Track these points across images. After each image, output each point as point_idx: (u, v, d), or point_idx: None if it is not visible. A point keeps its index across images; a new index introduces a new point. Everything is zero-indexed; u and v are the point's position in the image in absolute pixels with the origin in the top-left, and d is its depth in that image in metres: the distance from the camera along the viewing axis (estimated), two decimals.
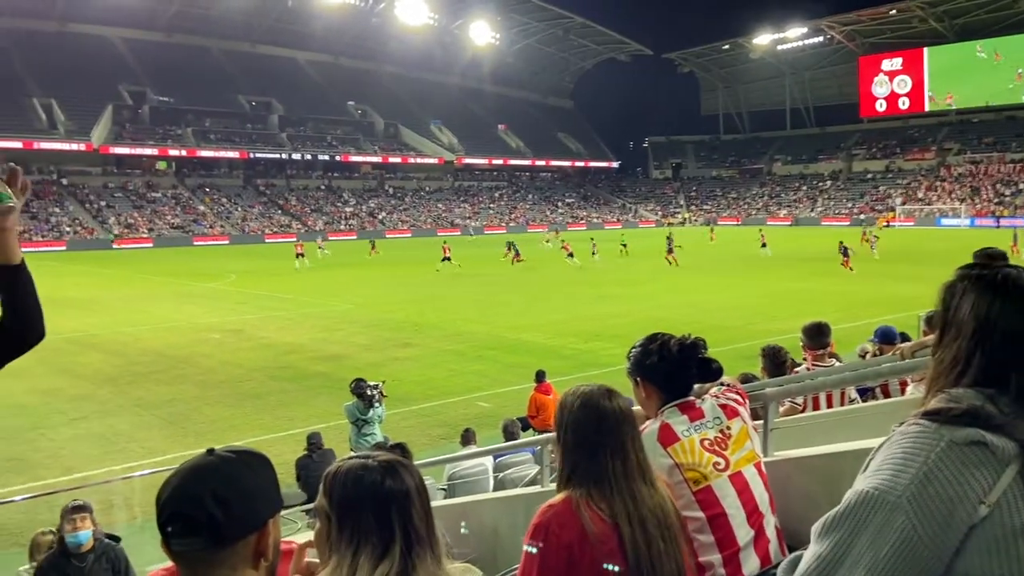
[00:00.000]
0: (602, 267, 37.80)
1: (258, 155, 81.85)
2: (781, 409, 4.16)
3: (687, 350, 2.44)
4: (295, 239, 47.51)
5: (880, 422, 3.27)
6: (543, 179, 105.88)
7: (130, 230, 66.53)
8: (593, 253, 40.71)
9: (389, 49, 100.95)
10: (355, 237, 72.32)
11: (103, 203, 69.75)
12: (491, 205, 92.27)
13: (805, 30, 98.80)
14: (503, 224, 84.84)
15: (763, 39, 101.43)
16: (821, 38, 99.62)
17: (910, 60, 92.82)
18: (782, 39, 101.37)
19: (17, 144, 67.80)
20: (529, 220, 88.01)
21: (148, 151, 75.70)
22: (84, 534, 5.19)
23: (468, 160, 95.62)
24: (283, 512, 1.45)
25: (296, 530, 7.07)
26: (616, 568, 1.95)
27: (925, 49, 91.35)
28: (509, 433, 8.96)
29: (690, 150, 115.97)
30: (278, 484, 1.45)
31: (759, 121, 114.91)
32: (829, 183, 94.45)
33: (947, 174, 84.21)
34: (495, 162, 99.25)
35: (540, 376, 11.22)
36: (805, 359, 5.28)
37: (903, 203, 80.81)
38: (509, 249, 39.90)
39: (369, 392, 9.73)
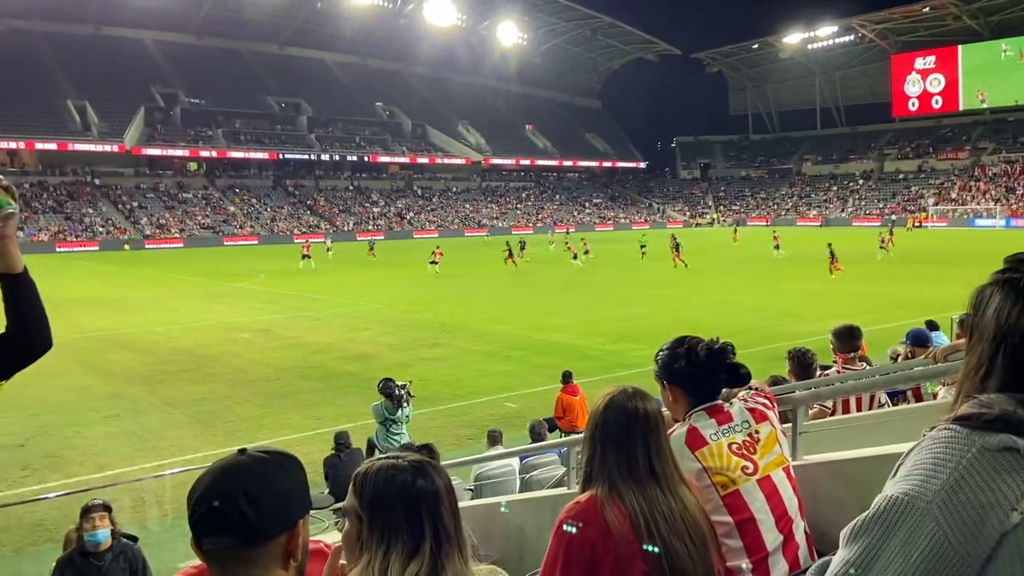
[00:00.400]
0: (614, 268, 37.62)
1: (287, 156, 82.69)
2: (810, 412, 4.12)
3: (715, 355, 2.42)
4: (305, 240, 47.50)
5: (910, 426, 3.23)
6: (570, 179, 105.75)
7: (161, 230, 67.54)
8: (585, 252, 40.73)
9: (417, 50, 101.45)
10: (383, 237, 72.76)
11: (135, 204, 70.88)
12: (518, 205, 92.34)
13: (836, 29, 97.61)
14: (530, 224, 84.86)
15: (793, 38, 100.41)
16: (852, 36, 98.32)
17: (943, 58, 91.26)
18: (812, 38, 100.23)
19: (52, 145, 69.24)
20: (556, 220, 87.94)
21: (179, 152, 76.84)
22: (102, 533, 5.25)
23: (495, 160, 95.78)
24: (311, 511, 1.46)
25: (323, 529, 7.14)
26: (642, 568, 1.95)
27: (959, 47, 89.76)
28: (536, 434, 8.95)
29: (718, 150, 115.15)
30: (308, 485, 1.47)
31: (788, 121, 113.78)
32: (860, 183, 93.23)
33: (981, 174, 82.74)
34: (522, 162, 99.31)
35: (567, 377, 11.20)
36: (835, 362, 5.22)
37: (936, 203, 79.55)
38: (516, 248, 39.71)
39: (397, 392, 9.77)
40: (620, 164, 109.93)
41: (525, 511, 4.44)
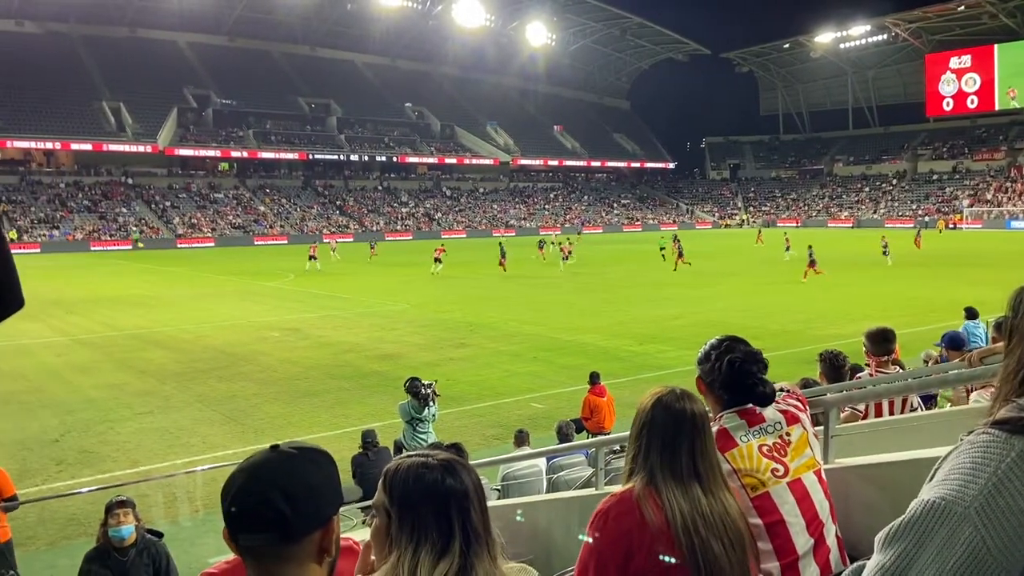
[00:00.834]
0: (640, 269, 37.41)
1: (317, 156, 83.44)
2: (842, 415, 4.07)
3: (738, 374, 2.41)
4: (313, 243, 47.07)
5: (944, 431, 3.18)
6: (598, 180, 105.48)
7: (193, 230, 68.47)
8: (564, 256, 40.63)
9: (445, 51, 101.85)
10: (411, 238, 73.13)
11: (168, 203, 71.96)
12: (546, 206, 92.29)
13: (869, 28, 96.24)
14: (558, 225, 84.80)
15: (825, 37, 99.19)
16: (885, 36, 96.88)
17: (979, 57, 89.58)
18: (845, 37, 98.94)
19: (87, 146, 70.53)
20: (585, 221, 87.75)
21: (211, 153, 77.88)
22: (127, 529, 5.30)
23: (523, 161, 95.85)
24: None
25: (352, 527, 7.19)
26: (673, 560, 1.96)
27: (995, 46, 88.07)
28: (563, 435, 8.94)
29: (748, 150, 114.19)
30: (340, 480, 1.48)
31: (820, 121, 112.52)
32: (893, 184, 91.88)
33: (1018, 174, 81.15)
34: (550, 163, 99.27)
35: (594, 378, 11.16)
36: (868, 365, 5.15)
37: (970, 205, 78.17)
38: (546, 247, 39.27)
39: (423, 391, 9.82)
40: (649, 165, 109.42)
41: (553, 512, 4.44)
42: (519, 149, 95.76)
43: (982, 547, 1.03)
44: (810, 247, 32.73)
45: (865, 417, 4.37)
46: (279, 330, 21.92)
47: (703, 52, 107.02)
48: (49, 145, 69.88)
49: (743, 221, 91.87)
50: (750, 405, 2.42)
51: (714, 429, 2.37)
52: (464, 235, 76.03)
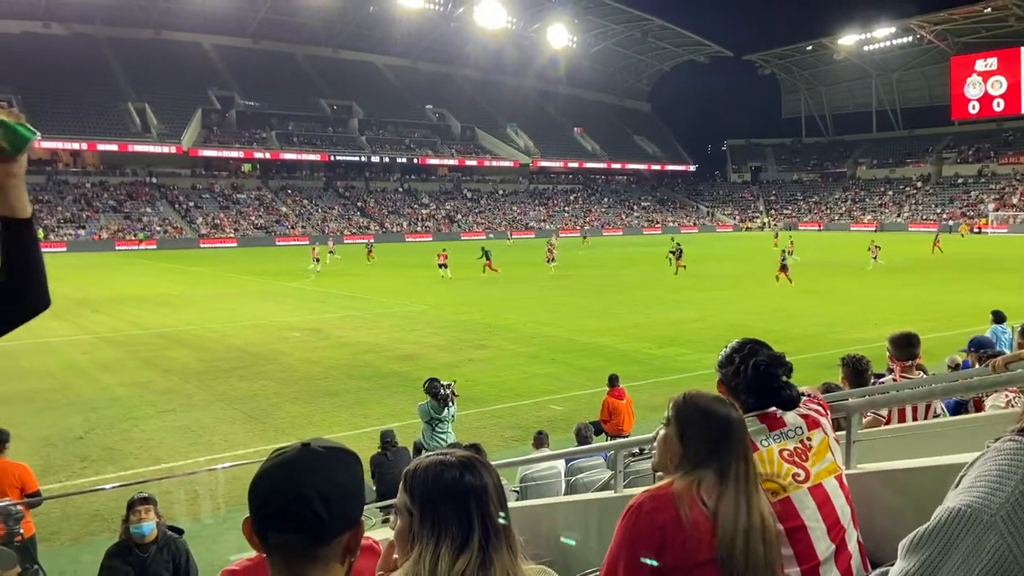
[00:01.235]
0: (657, 272, 37.26)
1: (338, 158, 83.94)
2: (864, 420, 4.03)
3: (763, 376, 2.40)
4: (311, 242, 46.76)
5: (968, 437, 3.15)
6: (618, 182, 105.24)
7: (216, 230, 69.12)
8: (549, 260, 40.21)
9: (466, 53, 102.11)
10: (431, 239, 73.29)
11: (191, 204, 72.70)
12: (566, 208, 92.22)
13: (893, 30, 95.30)
14: (577, 227, 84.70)
15: (849, 39, 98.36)
16: (910, 38, 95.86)
17: (1006, 60, 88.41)
18: (869, 39, 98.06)
19: (113, 146, 71.47)
20: (604, 223, 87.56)
21: (234, 154, 78.62)
22: (148, 525, 5.35)
23: (543, 163, 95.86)
24: None
25: (370, 527, 7.22)
26: (707, 559, 1.96)
27: (1022, 48, 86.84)
28: (582, 437, 8.93)
29: (770, 153, 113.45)
30: (364, 481, 1.50)
31: (843, 123, 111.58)
32: (917, 188, 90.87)
33: None
34: (570, 165, 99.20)
35: (613, 380, 11.14)
36: (891, 370, 5.09)
37: (996, 209, 77.13)
38: (485, 257, 37.62)
39: (442, 392, 9.85)
40: (669, 167, 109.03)
41: (571, 513, 4.44)
42: (539, 151, 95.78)
43: (1008, 555, 1.02)
44: (783, 251, 31.46)
45: (888, 422, 4.32)
46: (300, 330, 22.07)
47: (725, 54, 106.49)
48: (75, 145, 70.84)
49: (764, 224, 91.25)
50: (771, 409, 2.40)
51: None
52: (484, 237, 76.08)
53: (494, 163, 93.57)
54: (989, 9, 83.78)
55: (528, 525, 4.43)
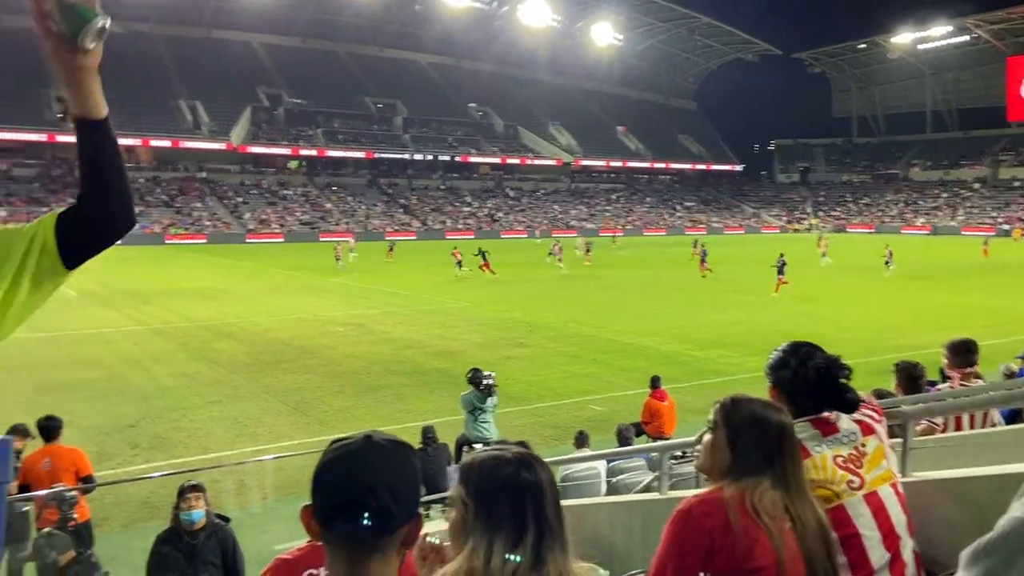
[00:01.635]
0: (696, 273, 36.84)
1: (382, 155, 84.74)
2: (917, 428, 3.94)
3: (824, 378, 2.34)
4: (336, 244, 45.87)
5: None
6: (662, 182, 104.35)
7: (263, 225, 70.27)
8: (550, 253, 39.86)
9: (511, 51, 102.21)
10: (472, 237, 73.51)
11: (239, 199, 74.04)
12: (607, 207, 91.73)
13: (949, 29, 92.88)
14: (619, 227, 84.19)
15: (903, 38, 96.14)
16: (966, 37, 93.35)
17: None
18: (924, 38, 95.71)
19: (166, 143, 73.17)
20: (647, 224, 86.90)
21: (281, 151, 79.88)
22: (197, 513, 5.46)
23: (586, 162, 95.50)
24: None
25: None
26: (758, 566, 1.94)
27: None
28: (623, 438, 8.88)
29: (819, 153, 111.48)
30: None
31: (896, 124, 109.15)
32: (972, 190, 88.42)
33: None
34: (613, 164, 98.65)
35: (655, 382, 11.05)
36: (949, 377, 4.96)
37: None
38: (481, 257, 36.20)
39: (486, 382, 10.01)
40: (714, 167, 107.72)
41: (614, 514, 4.42)
42: (582, 150, 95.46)
43: None
44: (781, 255, 30.32)
45: (944, 431, 4.22)
46: (343, 325, 22.33)
47: (774, 52, 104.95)
48: (130, 141, 72.58)
49: (812, 226, 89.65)
50: (824, 414, 2.35)
51: None
52: (524, 235, 76.08)
53: (536, 162, 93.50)
54: None
55: (572, 524, 4.42)
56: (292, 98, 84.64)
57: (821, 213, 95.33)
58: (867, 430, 2.36)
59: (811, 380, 2.33)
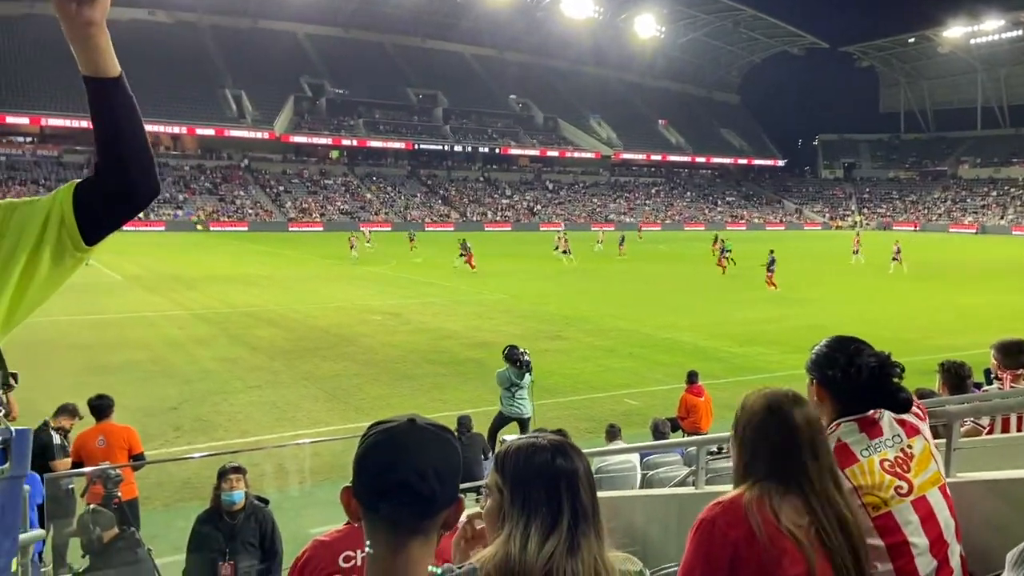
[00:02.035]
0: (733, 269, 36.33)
1: (422, 146, 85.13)
2: (962, 429, 3.86)
3: (878, 377, 2.25)
4: (352, 230, 44.78)
5: None
6: (702, 176, 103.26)
7: (304, 214, 71.13)
8: (561, 250, 38.98)
9: (552, 43, 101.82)
10: (510, 229, 73.54)
11: (281, 188, 75.03)
12: (647, 201, 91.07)
13: (1003, 23, 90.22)
14: (658, 221, 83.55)
15: (954, 32, 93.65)
16: (1020, 32, 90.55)
17: None
18: (976, 32, 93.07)
19: (210, 131, 74.41)
20: (686, 218, 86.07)
21: (323, 140, 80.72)
22: (238, 494, 5.55)
23: (626, 155, 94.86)
24: None
25: None
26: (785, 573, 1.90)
27: None
28: (659, 433, 8.84)
29: (865, 149, 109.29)
30: None
31: (945, 120, 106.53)
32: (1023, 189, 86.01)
33: None
34: (653, 157, 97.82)
35: (692, 377, 10.96)
36: (998, 378, 4.82)
37: None
38: (463, 250, 35.14)
39: (523, 358, 10.31)
40: (756, 161, 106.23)
41: (649, 508, 4.41)
42: (622, 143, 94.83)
43: None
44: (772, 251, 29.43)
45: (990, 432, 4.12)
46: (381, 314, 22.53)
47: (820, 45, 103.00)
48: (176, 129, 74.10)
49: (856, 223, 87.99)
50: (869, 413, 2.27)
51: (831, 440, 2.23)
52: (561, 228, 75.76)
53: (576, 154, 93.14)
54: None
55: (606, 516, 4.42)
56: (334, 88, 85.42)
57: (866, 210, 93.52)
58: (912, 431, 2.29)
59: (864, 379, 2.25)
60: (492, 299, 25.95)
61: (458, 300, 25.59)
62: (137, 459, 7.62)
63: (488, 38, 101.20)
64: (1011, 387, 4.59)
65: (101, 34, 1.43)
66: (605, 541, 1.61)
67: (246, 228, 65.24)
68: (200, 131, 74.52)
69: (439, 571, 1.38)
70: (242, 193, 72.12)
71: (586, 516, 1.56)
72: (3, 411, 1.76)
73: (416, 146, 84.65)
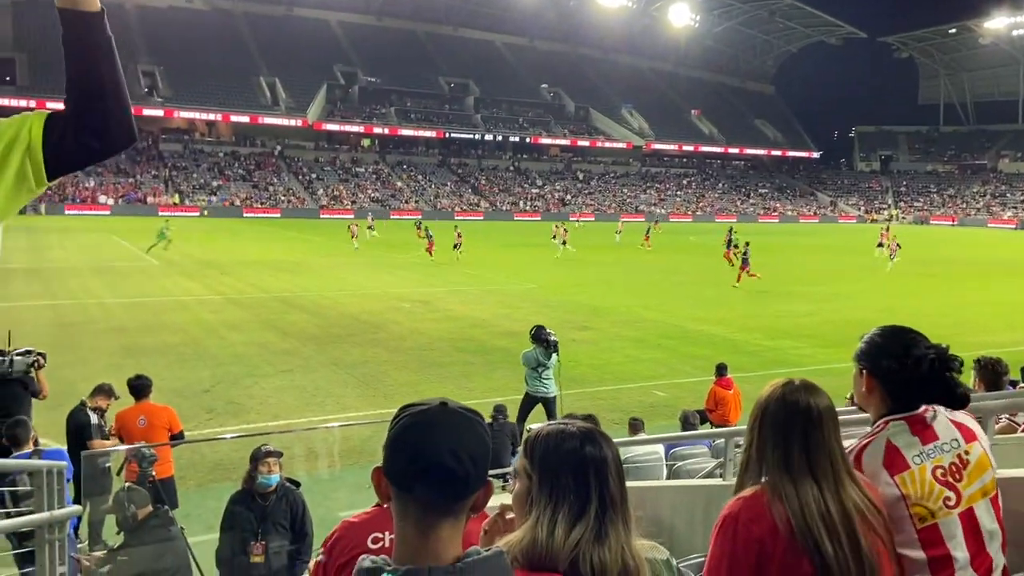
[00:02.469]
0: (761, 262, 35.94)
1: (453, 135, 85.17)
2: (996, 426, 3.80)
3: (937, 372, 2.14)
4: (352, 223, 43.86)
5: None
6: (735, 167, 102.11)
7: (335, 201, 71.63)
8: (563, 242, 37.95)
9: (584, 31, 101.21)
10: (539, 219, 73.40)
11: (313, 175, 75.61)
12: (678, 192, 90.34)
13: None
14: (689, 212, 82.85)
15: (997, 23, 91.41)
16: None
17: None
18: (1019, 23, 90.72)
19: (245, 118, 75.14)
20: (718, 210, 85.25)
21: (355, 128, 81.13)
22: (275, 477, 5.64)
23: (657, 145, 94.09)
24: None
25: None
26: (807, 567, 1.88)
27: None
28: (689, 424, 8.81)
29: (902, 141, 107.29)
30: None
31: (986, 112, 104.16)
32: None
33: None
34: (685, 148, 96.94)
35: (721, 370, 10.88)
36: None
37: None
38: (421, 230, 34.66)
39: (550, 338, 10.45)
40: (791, 153, 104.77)
41: (676, 498, 4.41)
42: (653, 133, 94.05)
43: None
44: (747, 244, 28.65)
45: None
46: (410, 301, 22.67)
47: (859, 36, 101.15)
48: (211, 116, 74.96)
49: (891, 217, 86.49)
50: (920, 411, 2.17)
51: (880, 443, 2.15)
52: (592, 219, 75.57)
53: (607, 144, 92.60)
54: None
55: (633, 505, 4.43)
56: (367, 76, 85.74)
57: (902, 204, 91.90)
58: (970, 435, 2.18)
59: (924, 371, 2.13)
60: (521, 289, 25.97)
61: (486, 289, 25.65)
62: (175, 438, 7.78)
63: (520, 26, 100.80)
64: None
65: None
66: (633, 529, 1.62)
67: (279, 215, 65.89)
68: (235, 118, 75.30)
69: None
70: (275, 180, 72.81)
71: (614, 504, 1.58)
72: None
73: (447, 135, 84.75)
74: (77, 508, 5.80)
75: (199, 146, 75.13)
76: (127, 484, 5.86)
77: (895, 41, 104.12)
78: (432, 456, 1.27)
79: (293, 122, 76.51)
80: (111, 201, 61.78)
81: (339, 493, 8.16)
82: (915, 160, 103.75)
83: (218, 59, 77.03)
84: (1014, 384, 5.30)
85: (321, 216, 67.50)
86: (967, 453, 2.14)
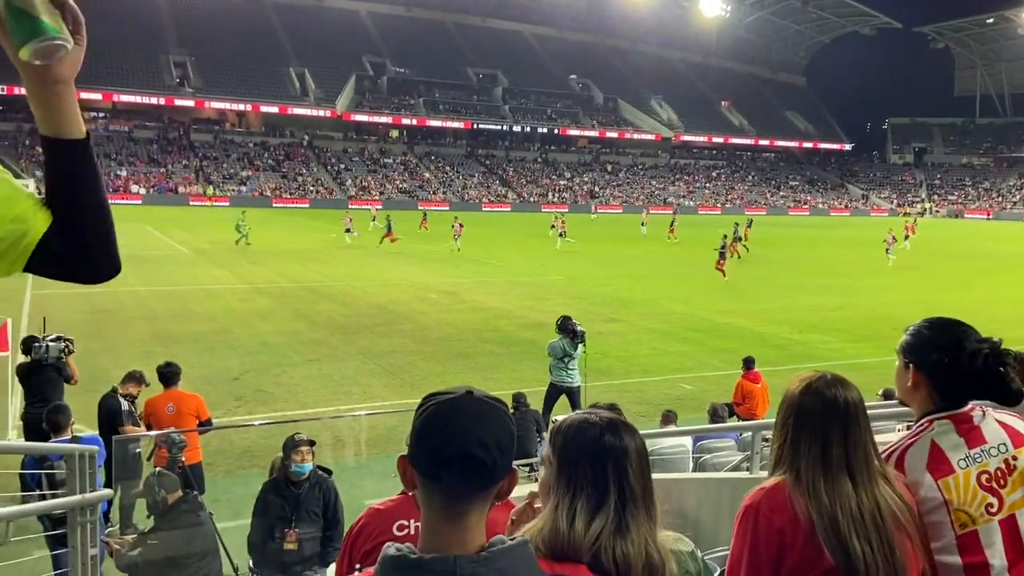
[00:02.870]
0: (789, 254, 35.50)
1: (481, 126, 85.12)
2: None
3: (991, 367, 2.04)
4: (345, 214, 43.07)
5: None
6: (765, 159, 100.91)
7: (363, 192, 72.00)
8: (561, 233, 37.81)
9: (613, 22, 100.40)
10: (567, 210, 73.16)
11: (342, 166, 76.05)
12: (707, 184, 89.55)
13: None
14: (718, 205, 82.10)
15: None
16: None
17: None
18: None
19: (274, 109, 75.74)
20: (748, 202, 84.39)
21: (383, 119, 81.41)
22: (308, 466, 5.71)
23: (686, 137, 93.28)
24: None
25: None
26: (828, 559, 1.86)
27: None
28: (717, 416, 8.76)
29: (937, 133, 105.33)
30: None
31: (1023, 104, 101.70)
32: None
33: None
34: (715, 140, 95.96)
35: (748, 363, 10.78)
36: None
37: None
38: (387, 228, 35.30)
39: (577, 328, 10.49)
40: (822, 145, 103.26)
41: (702, 491, 4.38)
42: (683, 124, 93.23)
43: None
44: (724, 236, 28.11)
45: None
46: (436, 292, 22.75)
47: (893, 26, 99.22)
48: (241, 107, 75.68)
49: (925, 210, 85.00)
50: (966, 409, 2.10)
51: (925, 443, 2.09)
52: (620, 210, 75.16)
53: (635, 136, 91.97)
54: None
55: (659, 497, 4.41)
56: (395, 67, 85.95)
57: (936, 197, 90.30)
58: (1019, 440, 2.09)
59: (978, 366, 2.04)
60: (547, 280, 25.95)
61: (513, 281, 25.65)
62: (203, 425, 7.90)
63: (548, 17, 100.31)
64: None
65: (68, 91, 1.26)
66: (658, 523, 1.60)
67: (307, 205, 66.40)
68: (264, 108, 75.92)
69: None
70: (304, 170, 73.35)
71: (635, 497, 1.55)
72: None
73: (475, 126, 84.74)
74: (108, 492, 5.91)
75: (229, 136, 75.85)
76: (157, 469, 5.95)
77: (931, 31, 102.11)
78: (459, 444, 1.27)
79: (322, 113, 76.97)
80: (143, 191, 62.69)
81: (365, 481, 8.22)
82: (950, 152, 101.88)
83: (248, 50, 77.68)
84: None
85: (350, 207, 67.77)
86: (1015, 459, 2.06)
